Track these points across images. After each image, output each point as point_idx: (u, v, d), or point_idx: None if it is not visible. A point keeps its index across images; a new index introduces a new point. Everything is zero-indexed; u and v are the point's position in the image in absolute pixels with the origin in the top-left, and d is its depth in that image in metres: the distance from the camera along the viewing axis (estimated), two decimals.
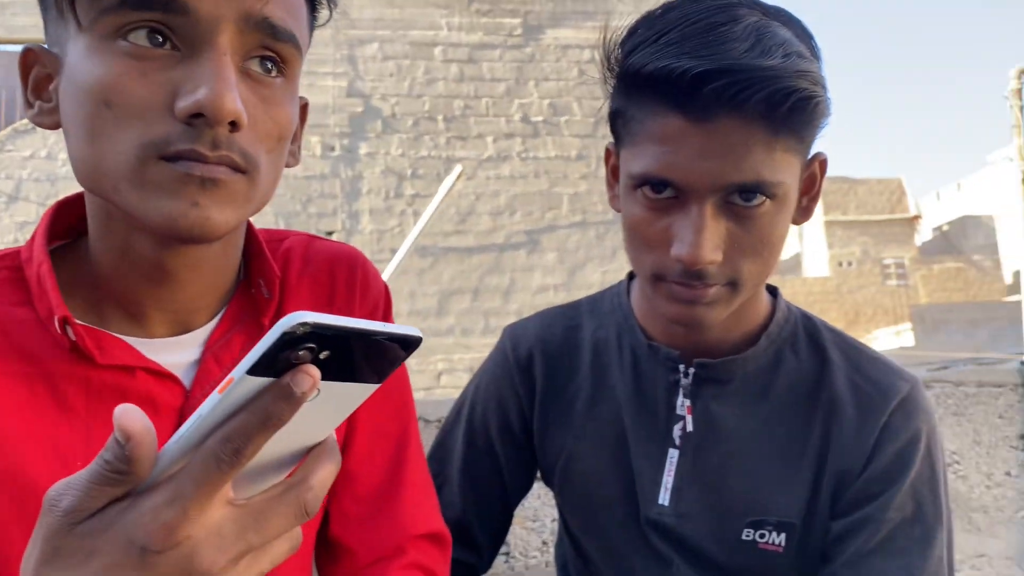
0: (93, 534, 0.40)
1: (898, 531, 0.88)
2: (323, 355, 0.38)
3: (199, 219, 0.59)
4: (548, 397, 1.04)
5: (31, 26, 8.92)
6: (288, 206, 8.51)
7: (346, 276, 0.83)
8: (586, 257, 9.32)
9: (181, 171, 0.58)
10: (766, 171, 0.79)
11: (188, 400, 0.70)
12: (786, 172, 0.81)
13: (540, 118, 9.52)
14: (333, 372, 0.40)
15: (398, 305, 8.48)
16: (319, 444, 0.44)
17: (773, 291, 1.00)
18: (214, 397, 0.39)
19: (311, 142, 8.53)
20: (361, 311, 0.83)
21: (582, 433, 1.01)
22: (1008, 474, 2.12)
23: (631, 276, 1.07)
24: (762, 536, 0.91)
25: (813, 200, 0.92)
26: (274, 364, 0.38)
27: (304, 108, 0.75)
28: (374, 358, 0.41)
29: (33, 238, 0.70)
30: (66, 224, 0.73)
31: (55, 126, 0.65)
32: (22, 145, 8.48)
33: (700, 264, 0.80)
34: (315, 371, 0.38)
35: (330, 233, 8.86)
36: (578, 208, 9.35)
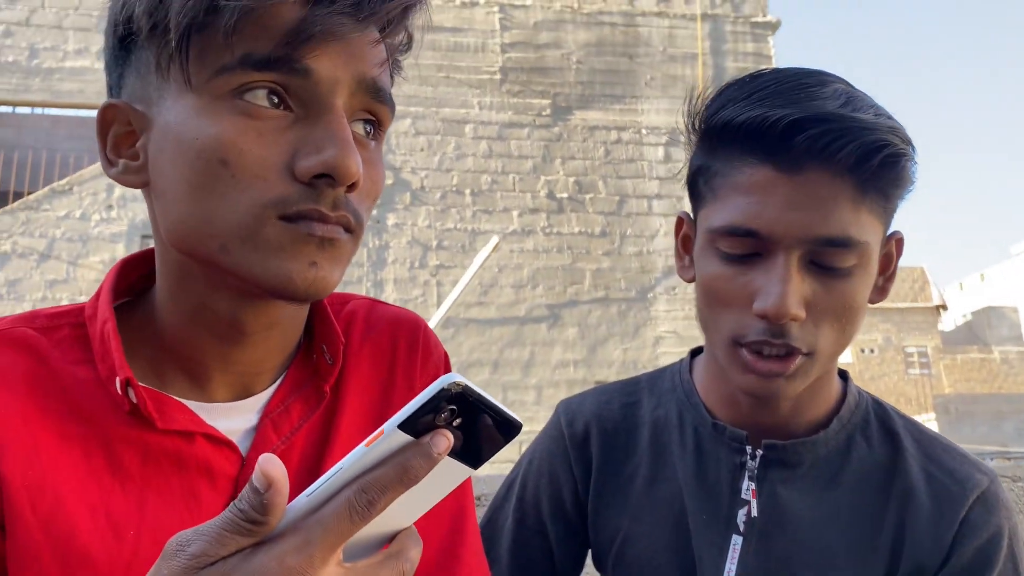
0: None
1: None
2: (456, 422, 0.41)
3: (317, 279, 0.60)
4: (604, 475, 1.00)
5: (76, 91, 9.26)
6: None
7: (408, 342, 0.81)
8: (608, 333, 9.30)
9: (302, 231, 0.59)
10: (853, 228, 0.78)
11: (244, 468, 0.68)
12: (871, 234, 0.81)
13: (565, 195, 9.65)
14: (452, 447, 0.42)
15: None
16: (406, 528, 0.47)
17: (844, 375, 0.97)
18: (359, 450, 0.41)
19: None
20: (422, 378, 0.81)
21: (639, 515, 0.96)
22: None
23: (694, 353, 1.05)
24: None
25: (889, 280, 0.90)
26: (417, 423, 0.40)
27: None
28: (485, 439, 0.43)
29: (98, 295, 0.68)
30: (128, 282, 0.72)
31: (143, 185, 0.65)
32: (57, 205, 8.69)
33: (785, 318, 0.78)
34: (451, 435, 0.41)
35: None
36: (600, 284, 9.38)
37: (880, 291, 0.90)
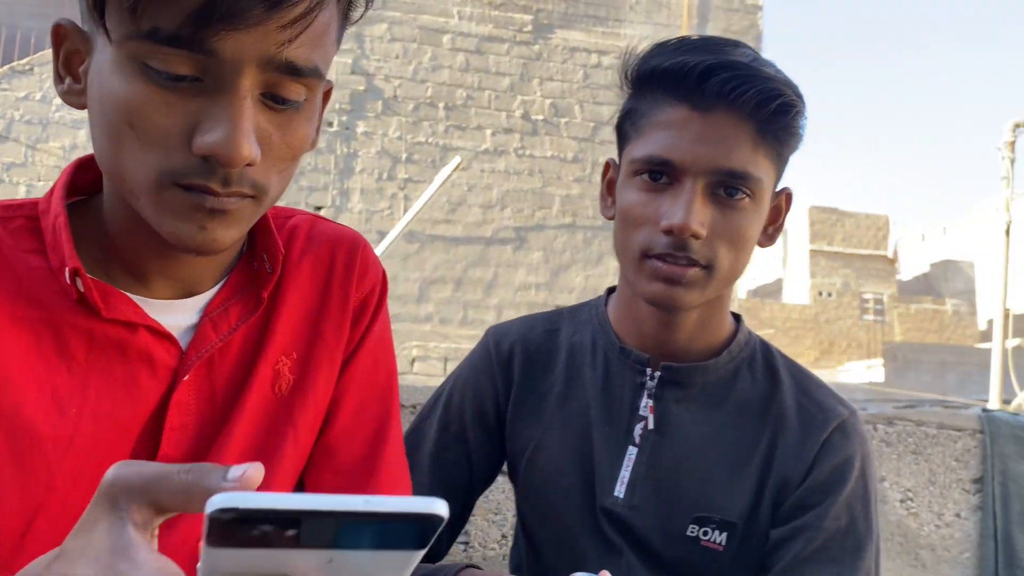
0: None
1: (832, 541, 0.96)
2: (290, 533, 0.38)
3: (205, 240, 0.65)
4: (524, 391, 1.12)
5: None
6: None
7: (346, 258, 0.86)
8: (571, 259, 9.35)
9: (193, 200, 0.63)
10: (751, 166, 0.94)
11: (183, 361, 0.73)
12: (765, 175, 0.96)
13: (540, 117, 9.53)
14: (346, 542, 0.39)
15: None
16: None
17: (738, 317, 1.11)
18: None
19: None
20: (357, 293, 0.86)
21: (552, 426, 1.08)
22: (958, 516, 2.16)
23: (610, 291, 1.17)
24: (705, 534, 0.99)
25: (777, 230, 1.07)
26: (241, 537, 0.38)
27: (328, 92, 0.77)
28: (386, 530, 0.39)
29: (52, 191, 0.72)
30: (82, 182, 0.76)
31: (82, 107, 0.67)
32: (17, 85, 8.38)
33: (687, 232, 0.92)
34: None
35: (319, 208, 8.83)
36: (569, 210, 9.38)
37: (769, 238, 1.06)
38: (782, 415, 1.03)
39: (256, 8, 0.58)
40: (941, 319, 28.22)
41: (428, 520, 0.39)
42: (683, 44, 0.97)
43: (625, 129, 1.04)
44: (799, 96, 0.96)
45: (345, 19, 0.70)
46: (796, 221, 28.63)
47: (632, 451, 1.03)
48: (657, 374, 1.04)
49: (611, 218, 1.06)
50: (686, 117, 0.94)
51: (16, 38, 10.18)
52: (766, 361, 1.08)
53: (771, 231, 1.06)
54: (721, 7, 10.47)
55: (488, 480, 1.19)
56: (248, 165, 0.62)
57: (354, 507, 0.38)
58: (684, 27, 10.25)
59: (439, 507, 0.39)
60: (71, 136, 8.36)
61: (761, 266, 30.91)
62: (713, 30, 10.56)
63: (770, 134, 0.95)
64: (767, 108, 0.92)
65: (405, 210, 8.77)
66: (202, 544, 0.39)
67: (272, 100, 0.64)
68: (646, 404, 1.04)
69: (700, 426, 1.03)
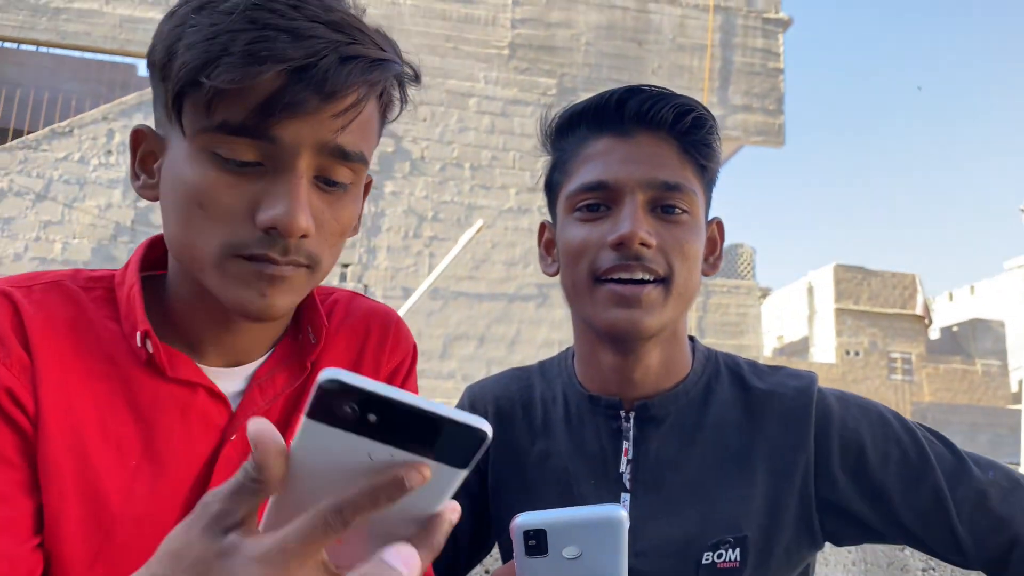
0: (207, 560, 0.47)
1: (950, 473, 0.95)
2: (372, 420, 0.44)
3: (265, 305, 0.73)
4: (502, 452, 1.08)
5: (82, 33, 9.21)
6: None
7: (379, 331, 0.94)
8: None
9: (255, 269, 0.72)
10: (681, 179, 0.96)
11: (231, 421, 0.81)
12: (696, 190, 0.98)
13: (543, 176, 9.65)
14: (412, 444, 0.45)
15: None
16: (420, 532, 0.50)
17: (692, 339, 1.09)
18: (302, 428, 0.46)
19: None
20: (388, 363, 0.93)
21: (532, 488, 1.05)
22: None
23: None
24: (720, 556, 0.95)
25: (718, 259, 1.08)
26: (332, 414, 0.44)
27: (368, 184, 0.86)
28: (445, 437, 0.46)
29: (127, 266, 0.82)
30: (153, 256, 0.85)
31: (155, 199, 0.78)
32: (57, 146, 8.68)
33: (636, 239, 0.92)
34: (427, 470, 0.46)
35: (346, 266, 8.96)
36: None
37: (712, 267, 1.07)
38: (762, 414, 1.00)
39: (313, 100, 0.68)
40: (971, 379, 27.72)
41: (478, 437, 0.46)
42: (598, 98, 1.02)
43: (554, 180, 1.06)
44: (709, 114, 1.00)
45: (383, 117, 0.80)
46: (821, 279, 28.49)
47: (625, 497, 0.99)
48: (632, 414, 1.02)
49: (554, 273, 1.06)
50: (611, 144, 0.98)
51: (57, 101, 10.55)
52: (730, 370, 1.06)
53: (712, 260, 1.07)
54: (742, 70, 10.64)
55: (476, 554, 1.14)
56: (304, 236, 0.71)
57: (427, 407, 0.44)
58: (705, 90, 10.41)
59: (485, 425, 0.46)
60: (106, 196, 8.61)
61: (787, 324, 30.66)
62: (734, 93, 10.71)
63: (692, 148, 0.98)
64: (684, 122, 0.96)
65: (430, 267, 8.88)
66: (302, 417, 0.45)
67: (324, 182, 0.73)
68: (627, 447, 1.01)
69: (687, 453, 1.00)
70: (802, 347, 29.91)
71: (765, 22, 10.92)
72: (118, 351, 0.77)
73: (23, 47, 12.51)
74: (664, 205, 0.96)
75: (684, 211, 0.96)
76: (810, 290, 29.39)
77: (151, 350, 0.76)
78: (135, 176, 0.80)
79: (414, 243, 9.19)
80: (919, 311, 27.73)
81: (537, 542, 0.70)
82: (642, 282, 0.94)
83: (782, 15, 11.02)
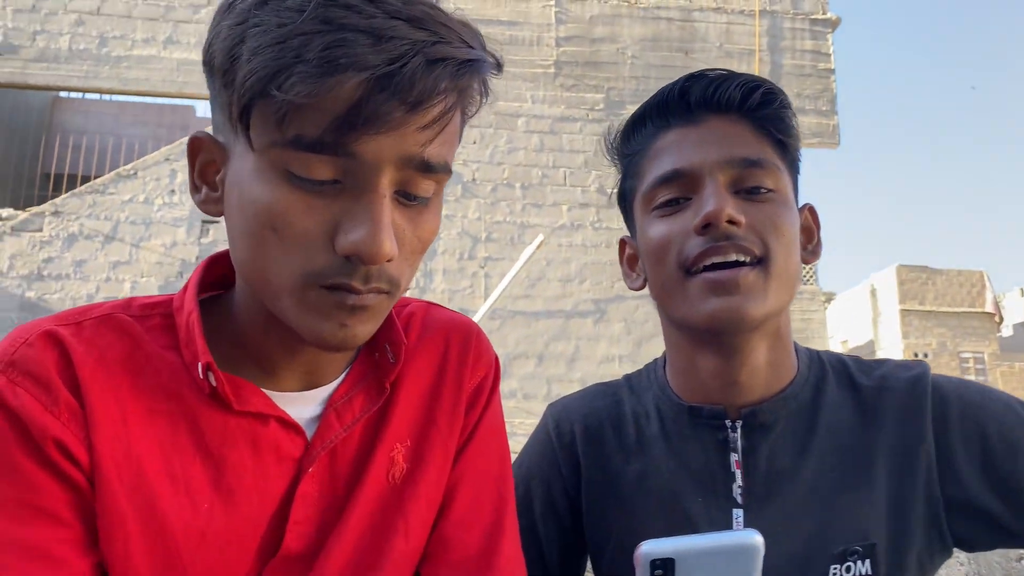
0: None
1: None
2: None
3: (346, 336, 0.66)
4: (593, 472, 1.02)
5: (143, 79, 9.54)
6: None
7: (460, 345, 0.86)
8: (654, 329, 9.28)
9: (336, 299, 0.64)
10: (762, 153, 0.91)
11: (307, 451, 0.74)
12: (779, 166, 0.92)
13: (615, 189, 9.61)
14: None
15: None
16: None
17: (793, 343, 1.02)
18: None
19: None
20: (471, 380, 0.86)
21: (632, 510, 0.97)
22: None
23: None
24: (848, 569, 0.87)
25: (817, 246, 1.01)
26: None
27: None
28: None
29: (185, 289, 0.75)
30: (214, 276, 0.78)
31: (219, 214, 0.70)
32: (123, 189, 8.97)
33: (723, 216, 0.86)
34: None
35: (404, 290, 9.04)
36: None
37: (812, 254, 1.00)
38: (876, 412, 0.93)
39: (397, 112, 0.60)
40: None
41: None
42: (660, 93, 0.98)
43: (626, 187, 1.02)
44: (780, 89, 0.94)
45: (464, 115, 0.71)
46: (884, 281, 27.76)
47: (738, 513, 0.92)
48: (738, 423, 0.94)
49: (641, 286, 1.00)
50: (681, 134, 0.93)
51: (122, 145, 10.93)
52: (835, 369, 0.99)
53: (811, 247, 1.00)
54: (792, 73, 10.49)
55: None
56: (387, 261, 0.64)
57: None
58: None
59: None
60: (171, 234, 8.86)
61: (852, 328, 29.92)
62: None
63: (767, 123, 0.92)
64: (753, 98, 0.91)
65: (486, 287, 8.92)
66: None
67: (404, 197, 0.65)
68: (735, 460, 0.93)
69: (802, 460, 0.92)
70: (868, 351, 29.12)
71: (813, 23, 10.75)
72: (180, 384, 0.70)
73: (87, 96, 13.03)
74: (748, 187, 0.89)
75: (770, 190, 0.90)
76: (873, 292, 28.67)
77: (214, 383, 0.69)
78: (195, 188, 0.71)
79: (469, 264, 9.24)
80: (989, 308, 26.79)
81: (664, 571, 0.68)
82: (737, 264, 0.87)
83: (830, 15, 10.84)
